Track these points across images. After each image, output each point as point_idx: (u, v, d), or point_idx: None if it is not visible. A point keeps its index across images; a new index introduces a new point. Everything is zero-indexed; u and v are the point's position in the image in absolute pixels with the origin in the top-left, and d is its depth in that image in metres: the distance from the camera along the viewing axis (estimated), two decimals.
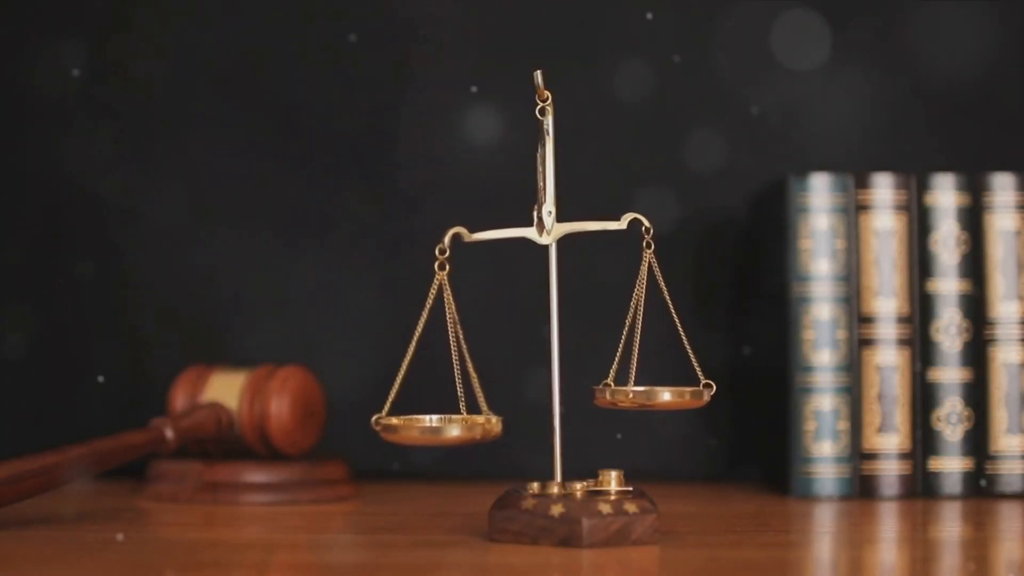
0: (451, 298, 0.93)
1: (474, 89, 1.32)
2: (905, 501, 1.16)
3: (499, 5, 1.32)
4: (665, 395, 0.96)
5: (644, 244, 0.96)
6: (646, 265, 0.96)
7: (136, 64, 1.33)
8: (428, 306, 0.93)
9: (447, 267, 0.94)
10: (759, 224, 1.28)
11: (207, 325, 1.32)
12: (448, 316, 0.93)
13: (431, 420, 0.94)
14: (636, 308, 0.96)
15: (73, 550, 0.92)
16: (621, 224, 0.96)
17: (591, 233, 0.97)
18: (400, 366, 0.92)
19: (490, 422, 0.93)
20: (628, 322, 0.96)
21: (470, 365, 0.93)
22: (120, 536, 0.94)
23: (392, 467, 1.27)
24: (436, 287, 0.93)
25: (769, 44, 1.30)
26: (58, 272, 1.32)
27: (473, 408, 0.93)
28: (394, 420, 0.93)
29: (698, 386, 0.96)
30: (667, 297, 0.95)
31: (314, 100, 1.33)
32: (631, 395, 0.96)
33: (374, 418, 0.92)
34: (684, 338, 0.96)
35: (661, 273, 0.96)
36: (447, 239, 0.94)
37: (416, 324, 0.92)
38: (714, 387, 0.96)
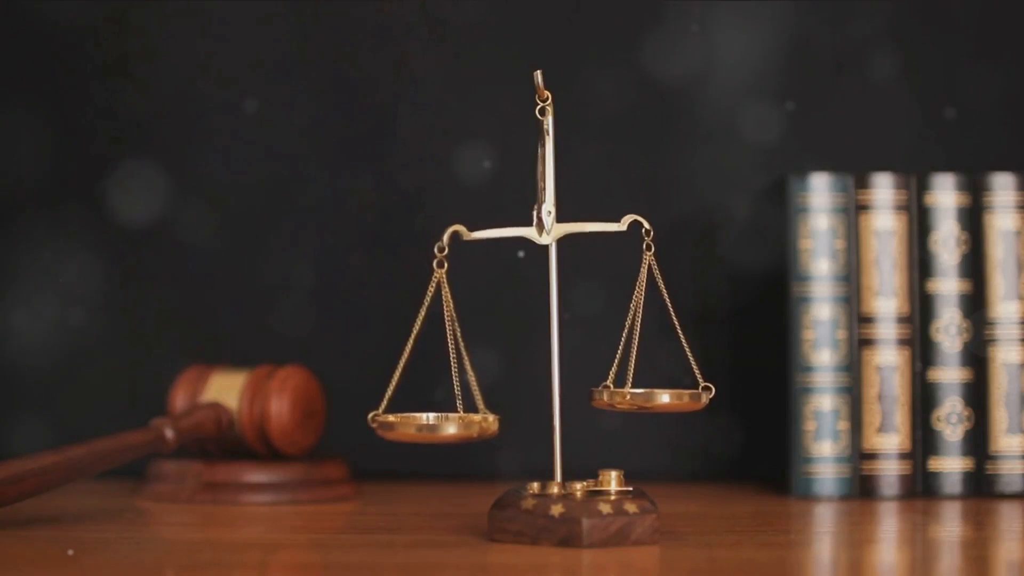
0: (449, 296, 0.93)
1: (474, 89, 1.32)
2: (905, 501, 1.16)
3: (499, 5, 1.32)
4: (663, 397, 0.96)
5: (644, 246, 0.96)
6: (646, 267, 0.96)
7: (136, 64, 1.33)
8: (426, 304, 0.93)
9: (445, 265, 0.94)
10: (759, 224, 1.28)
11: (207, 325, 1.32)
12: (446, 314, 0.93)
13: (428, 418, 0.94)
14: (635, 310, 0.96)
15: (73, 550, 0.92)
16: (621, 226, 0.97)
17: (591, 233, 0.97)
18: (398, 364, 0.92)
19: (487, 420, 0.93)
20: (627, 324, 0.96)
21: (467, 363, 0.93)
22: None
23: (393, 469, 1.28)
24: (434, 285, 0.93)
25: (768, 44, 1.30)
26: (58, 272, 1.32)
27: (471, 407, 0.93)
28: (391, 417, 0.93)
29: (697, 389, 0.96)
30: (667, 299, 0.95)
31: (314, 100, 1.33)
32: (629, 397, 0.96)
33: (371, 415, 0.92)
34: (683, 341, 0.96)
35: (661, 274, 0.96)
36: (446, 237, 0.94)
37: (415, 322, 0.93)
38: (713, 390, 0.96)
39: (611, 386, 0.96)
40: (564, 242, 0.96)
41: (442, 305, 0.93)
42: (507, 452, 1.23)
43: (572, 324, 1.23)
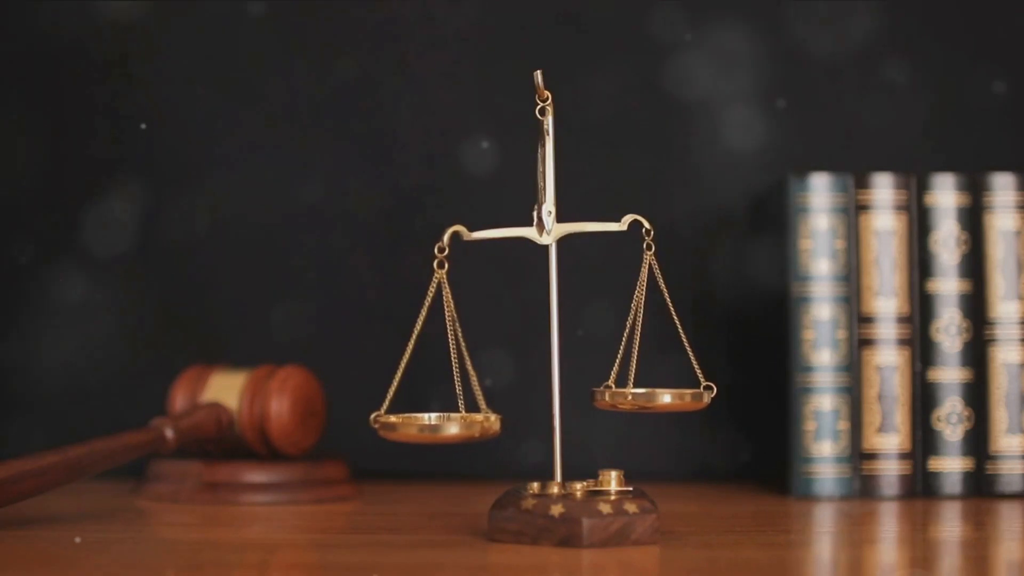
0: (450, 296, 0.93)
1: (474, 89, 1.32)
2: (905, 501, 1.16)
3: (499, 4, 1.32)
4: (665, 397, 0.96)
5: (644, 246, 0.96)
6: (646, 267, 0.96)
7: (136, 65, 1.33)
8: (427, 304, 0.93)
9: (446, 265, 0.94)
10: (759, 224, 1.28)
11: (207, 325, 1.32)
12: (447, 314, 0.93)
13: (429, 418, 0.94)
14: (636, 310, 0.96)
15: (73, 550, 0.92)
16: (621, 226, 0.97)
17: (591, 233, 0.97)
18: (399, 365, 0.92)
19: (488, 420, 0.93)
20: (628, 324, 0.96)
21: (469, 363, 0.93)
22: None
23: (393, 469, 1.28)
24: (435, 285, 0.93)
25: (769, 45, 1.30)
26: (58, 272, 1.32)
27: (472, 407, 0.94)
28: (392, 418, 0.93)
29: (698, 388, 0.96)
30: (667, 299, 0.95)
31: (314, 100, 1.33)
32: (630, 397, 0.96)
33: (372, 416, 0.92)
34: (685, 340, 0.96)
35: (661, 274, 0.96)
36: (446, 237, 0.94)
37: (416, 323, 0.93)
38: (715, 389, 0.96)
39: (613, 386, 0.96)
40: (565, 243, 0.96)
41: (443, 306, 0.93)
42: (507, 452, 1.23)
43: (574, 324, 1.23)
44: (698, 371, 0.96)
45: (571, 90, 1.22)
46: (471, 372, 0.93)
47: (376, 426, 0.92)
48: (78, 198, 1.32)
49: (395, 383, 0.93)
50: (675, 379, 0.99)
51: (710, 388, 0.96)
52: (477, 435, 0.93)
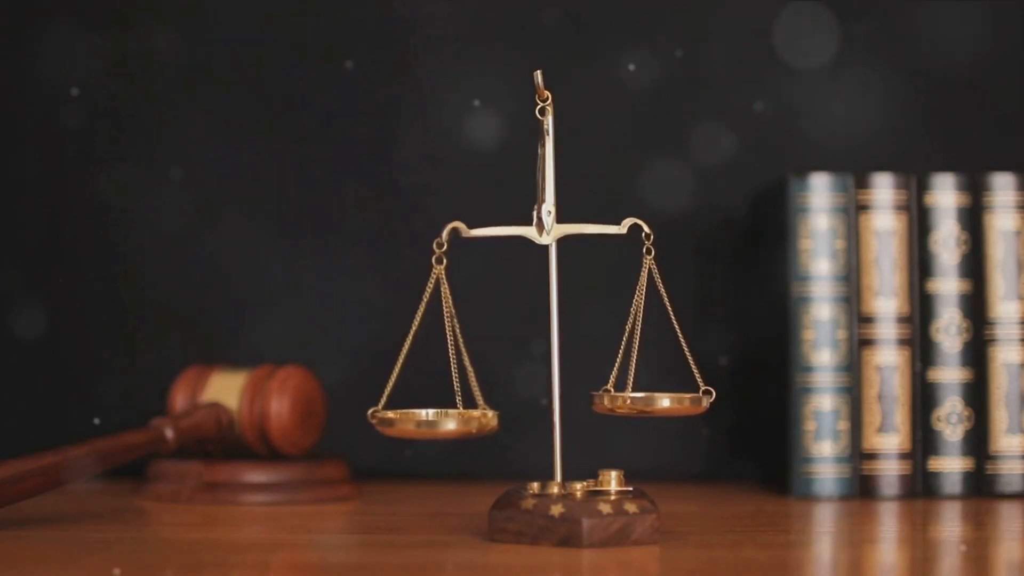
0: (448, 292, 0.93)
1: (474, 89, 1.32)
2: (905, 501, 1.16)
3: (499, 4, 1.32)
4: (664, 402, 0.96)
5: (644, 250, 0.96)
6: (646, 271, 0.96)
7: (136, 64, 1.33)
8: (425, 300, 0.93)
9: (444, 261, 0.94)
10: (759, 224, 1.28)
11: (207, 325, 1.32)
12: (445, 310, 0.93)
13: (427, 414, 0.94)
14: (636, 315, 0.96)
15: (73, 550, 0.92)
16: (621, 229, 0.96)
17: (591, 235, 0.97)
18: (397, 361, 0.92)
19: (486, 416, 0.93)
20: (628, 328, 0.96)
21: (466, 359, 0.93)
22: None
23: (393, 469, 1.27)
24: (433, 281, 0.93)
25: (770, 42, 1.30)
26: (58, 272, 1.32)
27: (470, 402, 0.93)
28: (390, 414, 0.93)
29: (697, 392, 0.96)
30: (667, 304, 0.95)
31: (314, 100, 1.33)
32: (629, 401, 0.96)
33: (370, 411, 0.92)
34: (684, 345, 0.96)
35: (661, 277, 0.96)
36: (445, 233, 0.94)
37: (414, 319, 0.92)
38: (713, 394, 0.96)
39: (611, 390, 0.96)
40: (564, 243, 0.96)
41: (441, 301, 0.93)
42: (507, 452, 1.23)
43: (574, 323, 1.23)
44: (697, 376, 0.96)
45: (572, 89, 1.23)
46: (469, 367, 0.93)
47: (373, 421, 0.92)
48: (77, 198, 1.32)
49: (392, 379, 0.93)
50: (676, 381, 0.99)
51: (709, 393, 0.96)
52: (474, 431, 0.93)
